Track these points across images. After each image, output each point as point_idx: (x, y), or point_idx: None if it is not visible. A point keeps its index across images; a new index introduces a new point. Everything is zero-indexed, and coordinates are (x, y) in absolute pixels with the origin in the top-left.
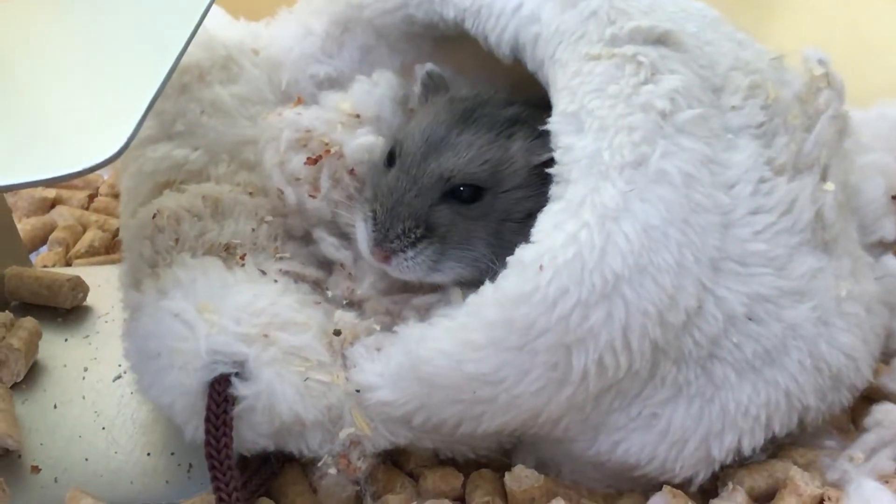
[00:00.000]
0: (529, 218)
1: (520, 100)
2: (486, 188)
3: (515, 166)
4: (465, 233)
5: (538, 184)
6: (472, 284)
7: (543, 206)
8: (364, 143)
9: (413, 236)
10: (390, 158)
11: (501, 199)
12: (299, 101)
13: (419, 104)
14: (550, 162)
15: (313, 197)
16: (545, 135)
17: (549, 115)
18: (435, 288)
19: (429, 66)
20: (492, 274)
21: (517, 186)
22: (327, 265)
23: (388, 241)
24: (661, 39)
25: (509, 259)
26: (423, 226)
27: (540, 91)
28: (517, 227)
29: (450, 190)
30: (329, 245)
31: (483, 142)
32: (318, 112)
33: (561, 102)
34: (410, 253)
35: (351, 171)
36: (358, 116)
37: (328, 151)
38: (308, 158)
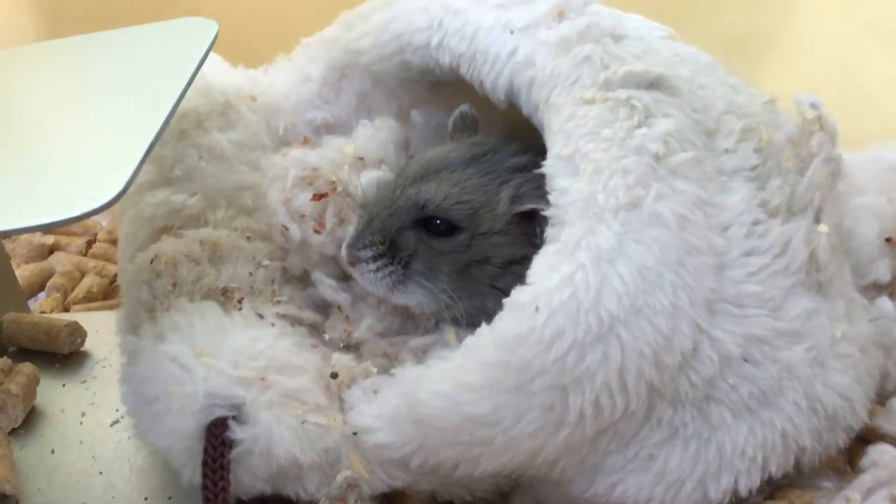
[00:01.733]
0: (511, 265)
1: (533, 151)
2: (461, 227)
3: (497, 212)
4: (429, 263)
5: (520, 233)
6: (468, 325)
7: (528, 255)
8: (375, 175)
9: (376, 250)
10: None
11: (478, 241)
12: (306, 141)
13: (449, 138)
14: (535, 215)
15: (318, 232)
16: (538, 184)
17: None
18: (431, 329)
19: (464, 106)
20: (452, 311)
21: (496, 232)
22: (324, 308)
23: (356, 248)
24: (654, 83)
25: (505, 301)
26: (388, 244)
27: (535, 135)
28: (497, 272)
29: (423, 218)
30: (327, 287)
31: (473, 184)
32: (324, 152)
33: (556, 146)
34: (373, 266)
35: (362, 206)
36: (362, 159)
37: (335, 189)
38: (314, 195)
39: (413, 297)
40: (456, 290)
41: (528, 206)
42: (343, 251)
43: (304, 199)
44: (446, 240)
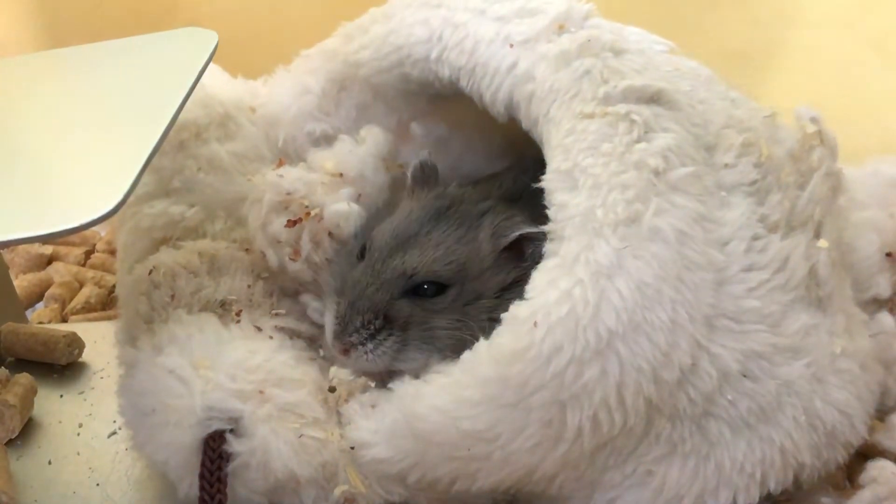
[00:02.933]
0: (504, 292)
1: (494, 195)
2: (450, 285)
3: (482, 254)
4: (426, 324)
5: (507, 260)
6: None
7: (519, 277)
8: (339, 209)
9: (372, 328)
10: (362, 252)
11: (469, 287)
12: (281, 163)
13: (407, 195)
14: (520, 240)
15: (293, 260)
16: (515, 215)
17: (528, 192)
18: None
19: (423, 155)
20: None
21: (486, 270)
22: (321, 323)
23: (346, 335)
24: (654, 98)
25: (504, 316)
26: (382, 317)
27: (534, 148)
28: (493, 303)
29: (412, 286)
30: (314, 311)
31: (452, 240)
32: (301, 173)
33: (555, 160)
34: (370, 345)
35: (330, 234)
36: (341, 175)
37: (308, 214)
38: (288, 221)
39: (415, 361)
40: (455, 337)
41: (512, 236)
42: (331, 342)
43: (279, 225)
44: (439, 299)
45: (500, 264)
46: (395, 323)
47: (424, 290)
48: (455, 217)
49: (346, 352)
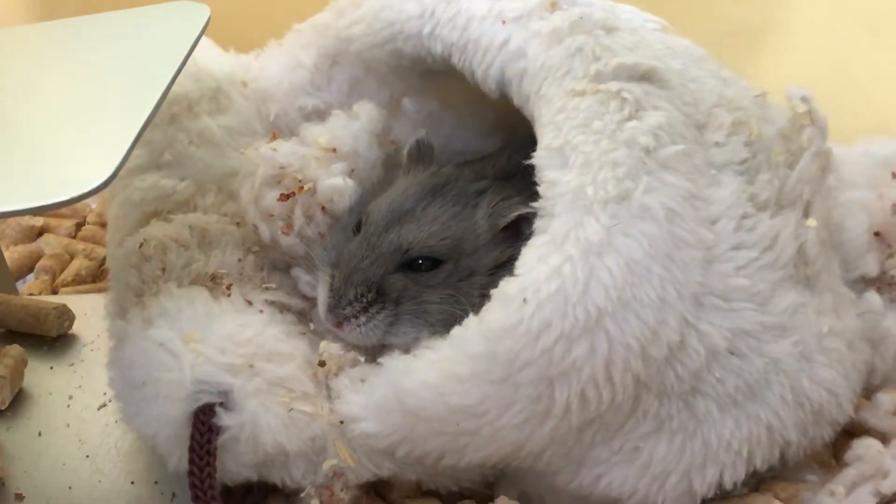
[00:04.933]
0: (498, 269)
1: (490, 174)
2: (444, 260)
3: (478, 232)
4: (418, 298)
5: (503, 239)
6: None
7: (513, 255)
8: (334, 184)
9: (365, 301)
10: (358, 226)
11: (463, 264)
12: (275, 137)
13: (403, 173)
14: (518, 220)
15: (286, 234)
16: (512, 196)
17: (526, 166)
18: None
19: (420, 133)
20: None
21: (481, 247)
22: (312, 297)
23: (340, 308)
24: (645, 76)
25: (493, 292)
26: (375, 290)
27: (526, 125)
28: (486, 280)
29: (407, 261)
30: (306, 284)
31: (448, 216)
32: (294, 147)
33: (546, 137)
34: (363, 318)
35: (323, 209)
36: (334, 150)
37: (301, 188)
38: (281, 195)
39: (407, 335)
40: (447, 312)
41: (511, 216)
42: (324, 315)
43: (271, 199)
44: (433, 273)
45: (497, 243)
46: (388, 297)
47: (419, 265)
48: (451, 194)
49: (339, 324)
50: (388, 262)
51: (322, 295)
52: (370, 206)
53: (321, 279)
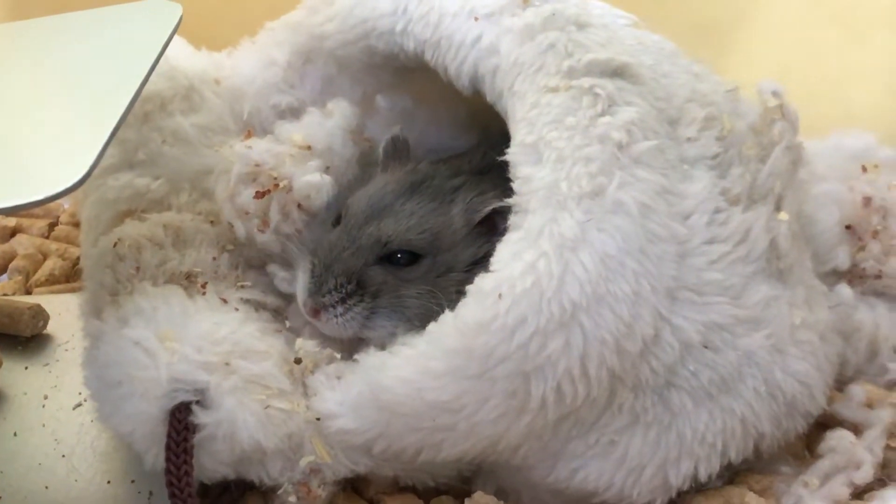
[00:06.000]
0: (475, 266)
1: (467, 169)
2: (423, 254)
3: (455, 227)
4: (396, 293)
5: (479, 234)
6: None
7: (490, 251)
8: (311, 180)
9: (343, 291)
10: (337, 220)
11: (441, 260)
12: (249, 135)
13: (380, 170)
14: (493, 214)
15: (262, 231)
16: (487, 191)
17: (499, 165)
18: None
19: (396, 130)
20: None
21: (458, 243)
22: (288, 293)
23: (319, 295)
24: (617, 72)
25: (469, 288)
26: (355, 282)
27: (499, 122)
28: (462, 276)
29: (386, 254)
30: (282, 280)
31: (425, 210)
32: (269, 145)
33: (519, 134)
34: (340, 309)
35: (299, 206)
36: (309, 148)
37: (276, 185)
38: (257, 192)
39: (384, 329)
40: (424, 308)
41: (486, 211)
42: (303, 302)
43: (247, 196)
44: (412, 268)
45: (473, 238)
46: (366, 290)
47: (398, 258)
48: (428, 191)
49: (316, 312)
50: (368, 255)
51: (302, 281)
52: (350, 199)
53: (301, 267)
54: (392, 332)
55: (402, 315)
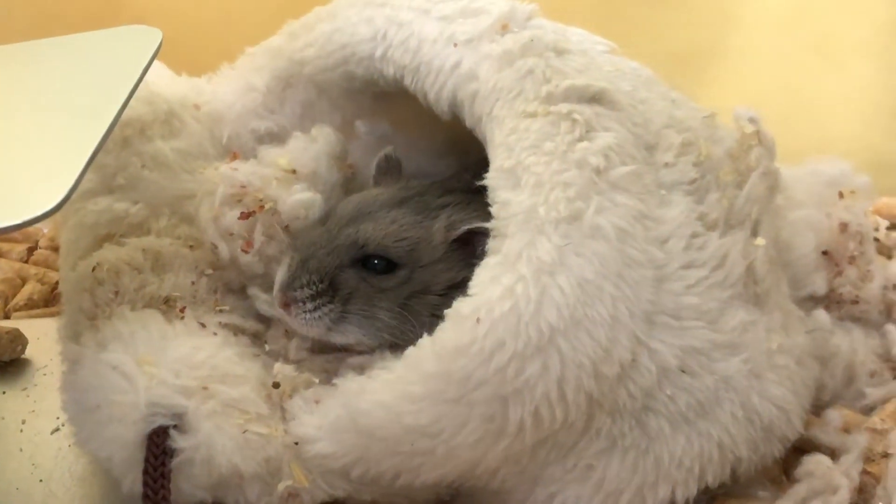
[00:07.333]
0: (452, 290)
1: (459, 188)
2: (400, 264)
3: (434, 243)
4: (369, 300)
5: (458, 257)
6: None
7: (468, 276)
8: (301, 198)
9: (315, 289)
10: (324, 221)
11: (419, 274)
12: (235, 157)
13: (373, 185)
14: (472, 236)
15: (246, 252)
16: (468, 210)
17: (483, 188)
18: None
19: (388, 150)
20: (394, 345)
21: (436, 261)
22: (267, 318)
23: (292, 289)
24: (595, 98)
25: (447, 311)
26: (327, 282)
27: (478, 147)
28: (438, 300)
29: (362, 257)
30: (262, 302)
31: (407, 221)
32: (255, 168)
33: (498, 158)
34: (310, 305)
35: (286, 228)
36: (294, 172)
37: (262, 207)
38: (242, 213)
39: (352, 336)
40: (395, 325)
41: (464, 228)
42: (276, 293)
43: (231, 218)
44: (387, 277)
45: (452, 260)
46: (338, 292)
47: (374, 264)
48: (415, 205)
49: (287, 305)
50: (344, 256)
51: (279, 274)
52: (339, 203)
53: (283, 262)
54: (360, 339)
55: (372, 325)
